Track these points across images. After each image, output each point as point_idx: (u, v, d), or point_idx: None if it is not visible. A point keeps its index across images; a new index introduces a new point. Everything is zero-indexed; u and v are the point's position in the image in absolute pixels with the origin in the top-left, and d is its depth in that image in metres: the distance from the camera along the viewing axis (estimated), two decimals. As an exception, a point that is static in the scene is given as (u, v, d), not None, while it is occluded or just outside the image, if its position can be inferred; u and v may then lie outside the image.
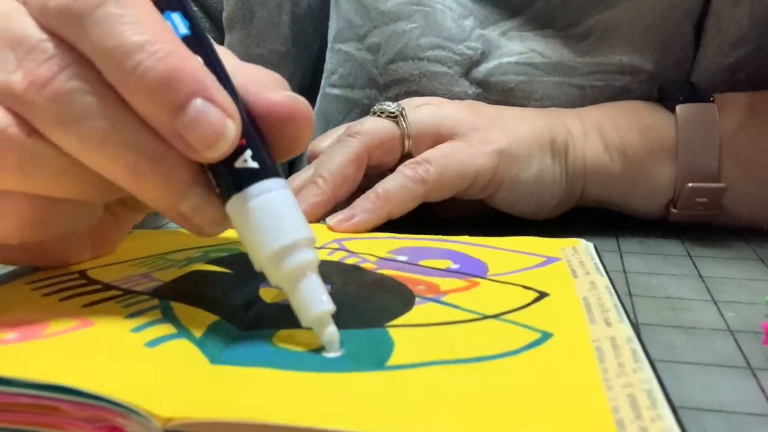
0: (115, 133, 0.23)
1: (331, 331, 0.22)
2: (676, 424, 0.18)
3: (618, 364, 0.22)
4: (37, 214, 0.25)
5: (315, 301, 0.23)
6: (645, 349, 0.23)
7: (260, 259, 0.23)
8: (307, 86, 0.55)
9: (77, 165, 0.24)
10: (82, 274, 0.30)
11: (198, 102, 0.22)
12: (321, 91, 0.51)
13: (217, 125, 0.22)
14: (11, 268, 0.32)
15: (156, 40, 0.22)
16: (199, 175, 0.24)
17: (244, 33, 0.51)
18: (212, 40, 0.25)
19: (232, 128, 0.23)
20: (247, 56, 0.52)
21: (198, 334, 0.23)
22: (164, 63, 0.22)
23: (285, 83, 0.26)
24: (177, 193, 0.24)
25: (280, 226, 0.23)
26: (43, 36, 0.23)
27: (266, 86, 0.25)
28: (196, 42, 0.24)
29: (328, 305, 0.23)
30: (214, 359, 0.21)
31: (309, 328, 0.23)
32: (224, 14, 0.51)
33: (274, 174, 0.23)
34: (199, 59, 0.23)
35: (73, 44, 0.23)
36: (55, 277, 0.29)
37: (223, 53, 0.26)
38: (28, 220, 0.25)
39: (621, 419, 0.19)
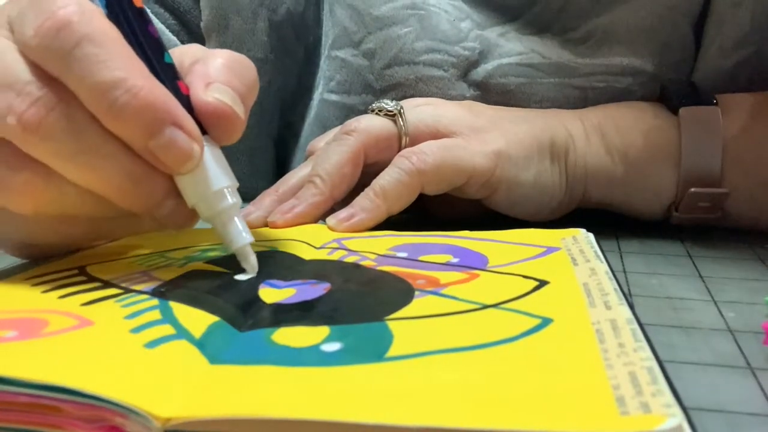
0: (102, 162, 0.27)
1: (252, 258, 0.29)
2: (675, 401, 0.18)
3: (618, 344, 0.22)
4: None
5: (238, 235, 0.29)
6: (647, 336, 0.23)
7: (194, 201, 0.29)
8: (292, 92, 0.54)
9: (79, 187, 0.27)
10: (82, 270, 0.30)
11: (169, 129, 0.27)
12: (318, 97, 0.51)
13: (186, 148, 0.27)
14: (11, 263, 0.33)
15: (130, 77, 0.26)
16: (172, 188, 0.29)
17: (220, 41, 0.51)
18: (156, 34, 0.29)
19: (197, 150, 0.28)
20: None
21: (197, 334, 0.23)
22: (137, 98, 0.26)
23: (241, 68, 0.31)
24: (155, 204, 0.29)
25: (210, 175, 0.29)
26: (30, 77, 0.26)
27: (205, 80, 0.29)
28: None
29: (249, 239, 0.29)
30: (213, 359, 0.21)
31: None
32: (202, 24, 0.51)
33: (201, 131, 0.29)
34: (166, 91, 0.27)
35: (57, 77, 0.26)
36: (54, 273, 0.29)
37: (197, 47, 0.32)
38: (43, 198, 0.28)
39: (621, 396, 0.19)
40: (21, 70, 0.26)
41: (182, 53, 0.31)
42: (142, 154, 0.27)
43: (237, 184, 0.30)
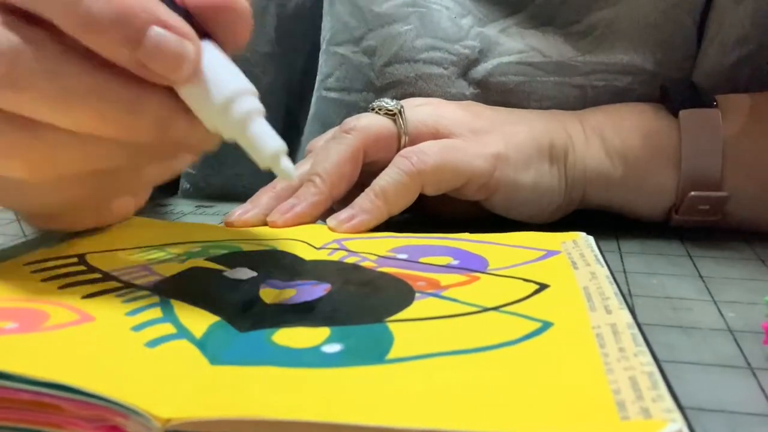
0: (87, 97, 0.24)
1: (285, 163, 0.25)
2: (675, 406, 0.18)
3: (619, 348, 0.22)
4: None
5: (268, 141, 0.24)
6: (645, 338, 0.23)
7: (210, 113, 0.25)
8: (297, 88, 0.54)
9: (73, 135, 0.24)
10: (81, 259, 0.29)
11: (154, 31, 0.23)
12: (316, 94, 0.51)
13: (177, 49, 0.24)
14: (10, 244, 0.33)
15: None
16: (179, 106, 0.25)
17: None
18: None
19: (190, 48, 0.24)
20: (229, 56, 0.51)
21: (198, 334, 0.23)
22: (112, 3, 0.23)
23: None
24: (161, 128, 0.25)
25: (219, 82, 0.25)
26: None
27: None
28: None
29: (278, 144, 0.25)
30: (214, 360, 0.21)
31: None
32: None
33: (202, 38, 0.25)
34: None
35: (25, 7, 0.23)
36: (54, 260, 0.29)
37: None
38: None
39: (622, 401, 0.19)
40: None
41: None
42: (132, 70, 0.24)
43: (255, 91, 0.25)
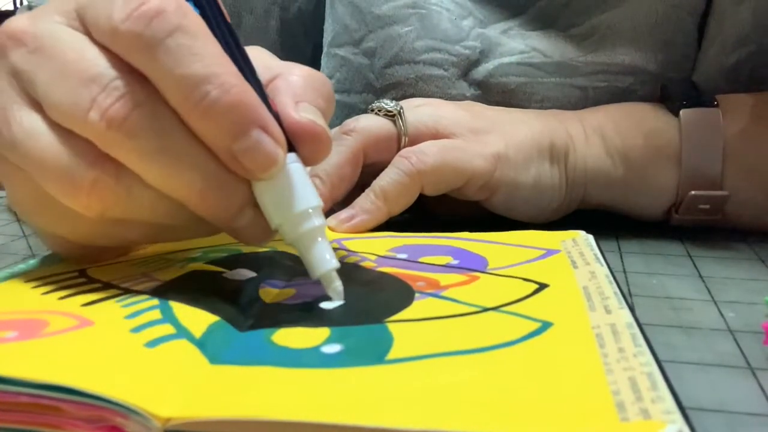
0: (184, 163, 0.25)
1: (337, 284, 0.27)
2: (675, 406, 0.18)
3: (618, 349, 0.22)
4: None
5: (323, 260, 0.27)
6: (646, 337, 0.23)
7: (278, 221, 0.27)
8: None
9: (151, 190, 0.26)
10: (82, 273, 0.30)
11: (255, 132, 0.25)
12: None
13: (271, 153, 0.26)
14: (10, 263, 0.33)
15: (222, 73, 0.24)
16: (251, 198, 0.27)
17: None
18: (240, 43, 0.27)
19: (281, 155, 0.26)
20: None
21: (197, 334, 0.23)
22: (229, 95, 0.24)
23: (322, 86, 0.30)
24: (233, 213, 0.27)
25: (296, 194, 0.27)
26: (115, 72, 0.25)
27: (294, 98, 0.28)
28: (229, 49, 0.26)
29: (333, 263, 0.27)
30: (213, 359, 0.21)
31: (317, 282, 0.27)
32: None
33: (288, 149, 0.27)
34: (255, 93, 0.25)
35: (141, 69, 0.24)
36: (54, 276, 0.29)
37: (262, 52, 0.30)
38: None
39: (621, 401, 0.19)
40: (104, 64, 0.25)
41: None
42: (222, 157, 0.26)
43: (322, 205, 0.28)
